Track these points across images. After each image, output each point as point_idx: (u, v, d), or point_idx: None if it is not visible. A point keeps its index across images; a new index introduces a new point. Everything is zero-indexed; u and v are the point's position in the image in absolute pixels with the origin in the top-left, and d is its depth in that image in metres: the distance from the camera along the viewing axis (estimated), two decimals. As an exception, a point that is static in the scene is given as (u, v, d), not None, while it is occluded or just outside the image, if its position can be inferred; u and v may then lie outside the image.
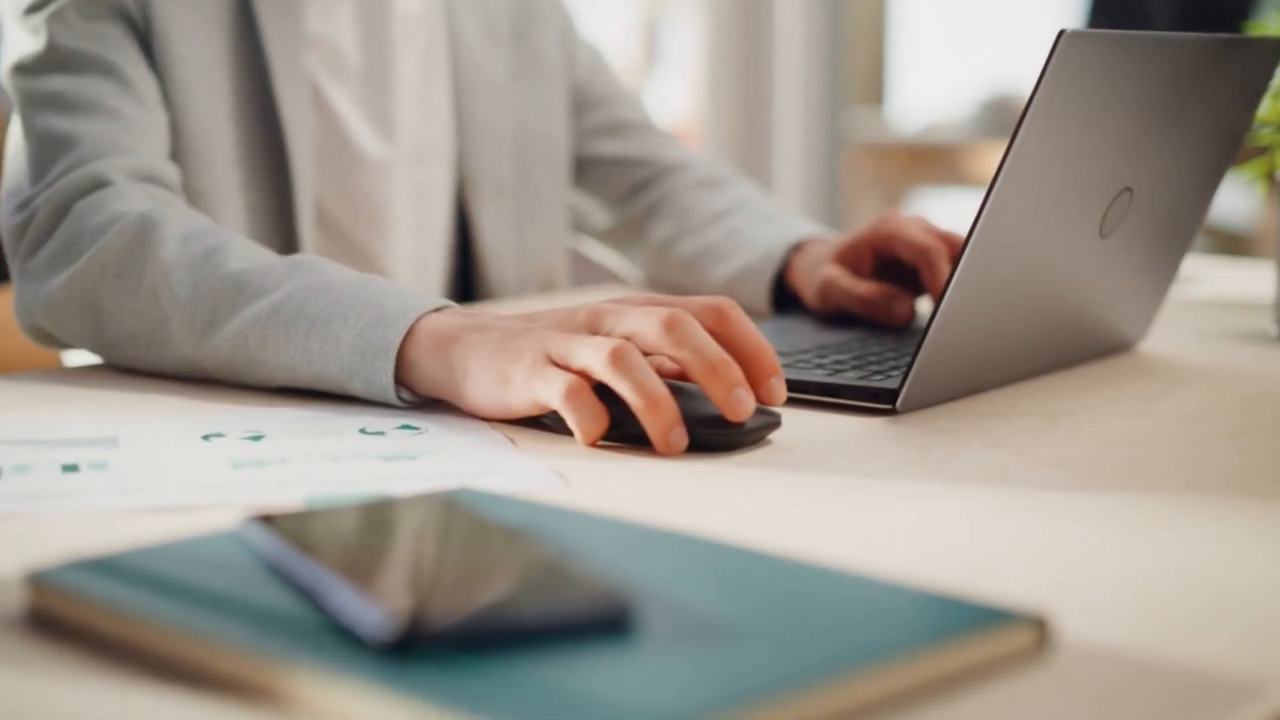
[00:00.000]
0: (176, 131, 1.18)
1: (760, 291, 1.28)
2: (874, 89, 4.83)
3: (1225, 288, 1.52)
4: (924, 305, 1.22)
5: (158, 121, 1.16)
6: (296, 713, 0.50)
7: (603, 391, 0.84)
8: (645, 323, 0.85)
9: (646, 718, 0.47)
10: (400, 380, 0.91)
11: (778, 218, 1.35)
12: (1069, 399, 0.99)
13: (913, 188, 4.17)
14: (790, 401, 0.95)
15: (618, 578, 0.58)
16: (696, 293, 1.33)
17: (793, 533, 0.70)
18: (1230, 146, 1.12)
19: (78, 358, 1.09)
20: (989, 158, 3.67)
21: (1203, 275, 1.59)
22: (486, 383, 0.87)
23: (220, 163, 1.20)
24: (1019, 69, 4.15)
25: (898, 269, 1.21)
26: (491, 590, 0.55)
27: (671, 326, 0.84)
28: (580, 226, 1.51)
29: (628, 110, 1.50)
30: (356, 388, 0.92)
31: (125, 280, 1.02)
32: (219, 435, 0.85)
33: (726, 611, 0.55)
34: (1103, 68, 0.92)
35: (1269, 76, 1.11)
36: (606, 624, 0.53)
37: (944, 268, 1.15)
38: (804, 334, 1.14)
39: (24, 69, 1.15)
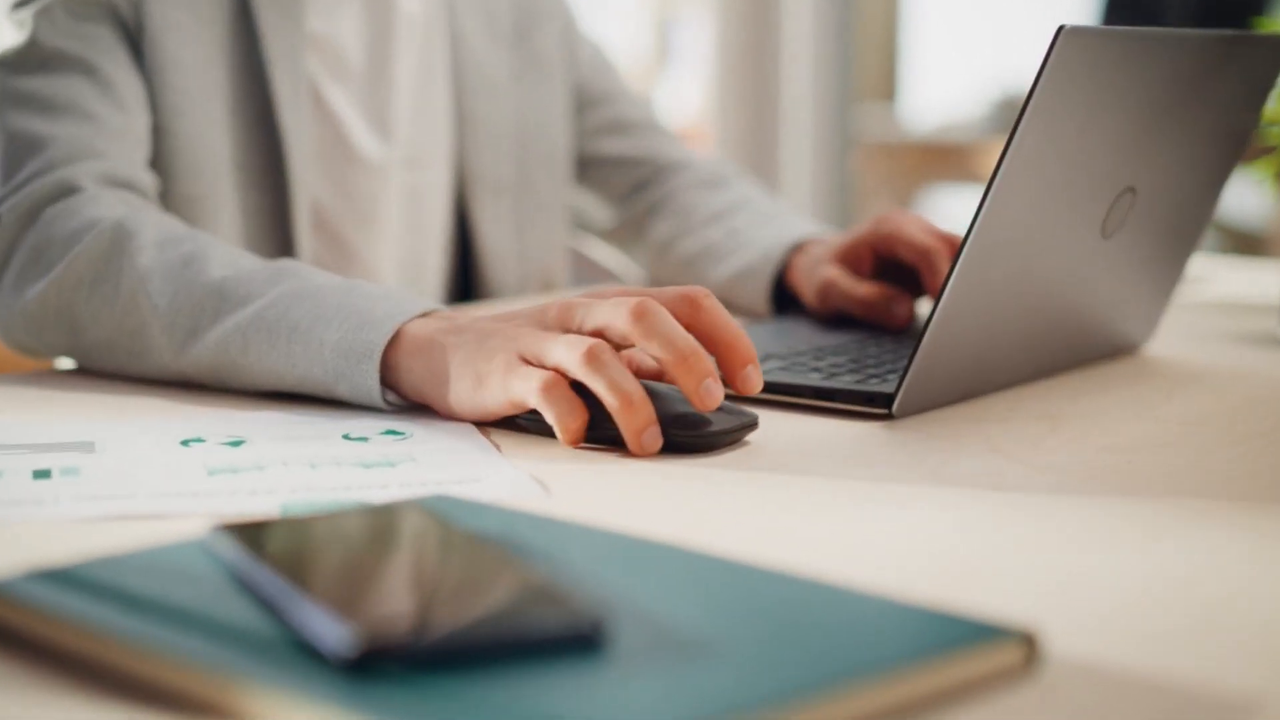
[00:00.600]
0: (170, 134, 1.17)
1: (760, 292, 1.26)
2: (885, 86, 4.81)
3: (1233, 288, 1.50)
4: (924, 307, 1.20)
5: (137, 125, 1.14)
6: (253, 732, 0.48)
7: (578, 392, 0.83)
8: (615, 314, 0.83)
9: (612, 739, 0.45)
10: (386, 384, 0.89)
11: (778, 218, 1.34)
12: (1070, 403, 0.97)
13: (924, 186, 4.14)
14: (785, 405, 0.94)
15: (591, 591, 0.56)
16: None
17: (780, 541, 0.68)
18: (1235, 145, 1.10)
19: (66, 362, 1.08)
20: (1000, 156, 3.64)
21: (1210, 275, 1.57)
22: (463, 386, 0.86)
23: (215, 165, 1.19)
24: (1033, 67, 4.11)
25: (898, 270, 1.19)
26: (459, 605, 0.53)
27: (640, 316, 0.82)
28: (582, 225, 1.50)
29: (630, 108, 1.49)
30: (342, 391, 0.90)
31: (101, 289, 1.00)
32: (198, 440, 0.83)
33: (703, 626, 0.53)
34: (1103, 65, 0.91)
35: (1274, 73, 1.09)
36: (577, 641, 0.51)
37: (945, 269, 1.14)
38: (802, 336, 1.13)
39: (4, 64, 1.13)
